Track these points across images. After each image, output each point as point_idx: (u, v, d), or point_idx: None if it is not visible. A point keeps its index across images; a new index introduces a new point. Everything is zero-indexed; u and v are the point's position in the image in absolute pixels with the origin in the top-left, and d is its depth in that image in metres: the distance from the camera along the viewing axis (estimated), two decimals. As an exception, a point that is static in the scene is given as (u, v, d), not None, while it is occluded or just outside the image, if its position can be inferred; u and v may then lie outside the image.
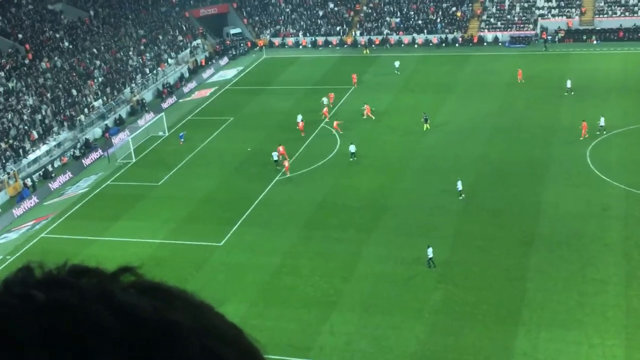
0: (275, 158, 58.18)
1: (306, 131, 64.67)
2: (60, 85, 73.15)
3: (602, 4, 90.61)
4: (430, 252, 42.68)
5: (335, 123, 65.24)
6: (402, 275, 42.50)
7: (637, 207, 47.61)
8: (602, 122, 58.80)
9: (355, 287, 41.89)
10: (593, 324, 36.87)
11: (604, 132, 58.55)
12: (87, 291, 1.51)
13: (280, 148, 58.57)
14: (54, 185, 59.80)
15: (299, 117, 65.58)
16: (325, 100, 68.92)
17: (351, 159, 57.87)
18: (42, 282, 1.54)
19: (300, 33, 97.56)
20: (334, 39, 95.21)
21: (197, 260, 46.29)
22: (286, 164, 57.08)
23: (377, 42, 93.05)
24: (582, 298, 39.00)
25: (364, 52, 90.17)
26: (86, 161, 64.01)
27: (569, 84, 68.79)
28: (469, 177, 53.66)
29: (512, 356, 35.14)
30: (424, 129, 62.40)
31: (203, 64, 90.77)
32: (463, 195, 50.31)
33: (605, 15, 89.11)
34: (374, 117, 66.68)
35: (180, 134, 66.65)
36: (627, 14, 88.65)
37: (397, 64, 79.80)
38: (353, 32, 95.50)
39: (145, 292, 1.55)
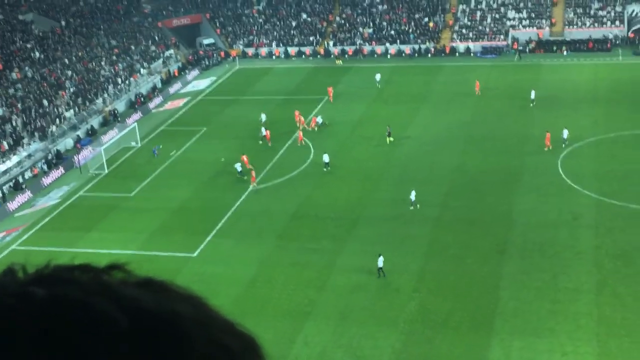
0: (239, 169, 58.00)
1: (280, 141, 64.64)
2: (31, 96, 72.45)
3: (572, 15, 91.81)
4: (380, 261, 42.78)
5: (312, 120, 65.81)
6: (376, 285, 42.55)
7: (608, 216, 48.17)
8: (565, 134, 59.24)
9: (330, 297, 41.87)
10: (565, 332, 37.17)
11: (566, 144, 58.86)
12: (88, 285, 1.49)
13: (244, 158, 58.38)
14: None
15: (262, 130, 65.73)
16: (263, 116, 68.29)
17: (325, 169, 57.90)
18: (37, 280, 1.52)
19: (274, 43, 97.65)
20: (307, 49, 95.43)
21: (170, 271, 45.86)
22: (253, 174, 56.80)
23: (350, 53, 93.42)
24: (555, 306, 39.32)
25: (337, 62, 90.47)
26: (56, 172, 63.36)
27: (532, 94, 69.47)
28: (443, 187, 54.00)
29: (487, 365, 35.30)
30: (387, 142, 62.32)
31: (176, 74, 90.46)
32: (417, 205, 50.62)
33: (575, 27, 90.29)
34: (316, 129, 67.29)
35: (154, 148, 65.79)
36: (596, 25, 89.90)
37: (378, 76, 79.01)
38: (326, 43, 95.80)
39: (141, 285, 1.55)
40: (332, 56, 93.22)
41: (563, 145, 58.51)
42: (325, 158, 57.58)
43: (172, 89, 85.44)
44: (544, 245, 45.28)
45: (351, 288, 42.49)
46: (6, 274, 1.53)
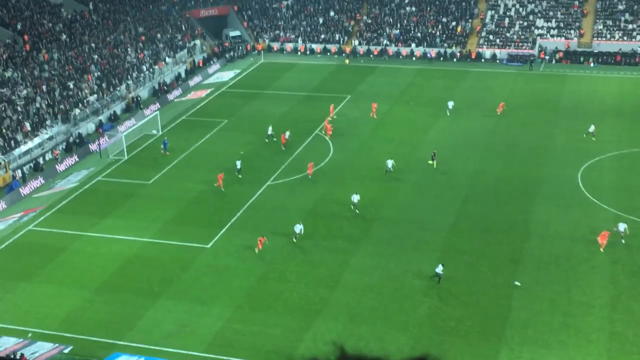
0: (239, 166, 57.86)
1: (299, 139, 64.57)
2: (56, 78, 72.87)
3: (601, 27, 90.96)
4: (439, 268, 42.50)
5: (329, 126, 65.28)
6: (388, 287, 42.39)
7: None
8: (591, 128, 61.15)
9: (341, 296, 41.77)
10: (576, 346, 36.84)
11: (593, 138, 60.93)
12: None
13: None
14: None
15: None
16: (270, 129, 65.36)
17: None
18: None
19: (300, 39, 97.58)
20: (333, 47, 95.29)
21: (183, 261, 46.09)
22: (220, 177, 55.60)
23: (376, 53, 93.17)
24: (567, 319, 38.99)
25: (345, 61, 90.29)
26: (76, 156, 63.71)
27: (450, 105, 69.89)
28: (461, 193, 53.73)
29: (494, 374, 35.07)
30: (432, 164, 58.23)
31: (201, 64, 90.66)
32: (356, 211, 50.35)
33: (604, 39, 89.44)
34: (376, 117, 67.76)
35: (164, 141, 64.07)
36: (625, 38, 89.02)
37: (450, 104, 71.00)
38: (352, 41, 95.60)
39: None
40: (357, 55, 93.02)
41: (586, 136, 59.54)
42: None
43: (196, 79, 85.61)
44: (559, 258, 44.90)
45: (363, 289, 42.36)
46: None
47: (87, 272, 45.26)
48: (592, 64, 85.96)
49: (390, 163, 56.70)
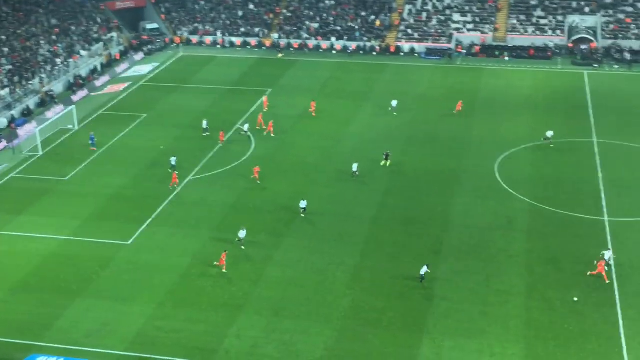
0: (173, 162, 57.09)
1: (219, 133, 64.03)
2: (-35, 72, 70.21)
3: (515, 22, 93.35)
4: (424, 269, 41.82)
5: (269, 124, 64.78)
6: (312, 281, 42.54)
7: (541, 221, 49.16)
8: (549, 133, 61.21)
9: (265, 291, 41.70)
10: (495, 333, 37.79)
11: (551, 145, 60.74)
12: None
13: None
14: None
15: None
16: (205, 122, 64.95)
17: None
18: None
19: (219, 32, 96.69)
20: (253, 40, 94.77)
21: (102, 259, 45.13)
22: (175, 175, 54.80)
23: (296, 46, 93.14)
24: (486, 308, 39.94)
25: (279, 55, 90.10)
26: (-11, 152, 61.55)
27: (394, 103, 69.64)
28: (382, 185, 54.32)
29: (417, 363, 35.68)
30: (385, 164, 57.48)
31: (117, 57, 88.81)
32: (302, 215, 49.79)
33: (518, 33, 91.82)
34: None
35: (91, 136, 62.67)
36: (538, 32, 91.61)
37: (394, 103, 70.35)
38: (272, 35, 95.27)
39: None
40: (277, 49, 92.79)
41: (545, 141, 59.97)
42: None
43: (113, 73, 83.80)
44: (478, 248, 45.95)
45: (286, 282, 42.39)
46: None
47: (1, 272, 43.79)
48: (506, 58, 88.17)
49: (355, 166, 55.61)
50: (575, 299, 40.44)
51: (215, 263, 43.52)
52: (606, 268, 42.51)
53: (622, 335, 37.52)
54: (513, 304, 40.27)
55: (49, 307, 40.37)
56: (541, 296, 40.89)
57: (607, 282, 41.60)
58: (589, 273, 42.29)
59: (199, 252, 45.65)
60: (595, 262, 42.45)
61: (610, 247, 45.41)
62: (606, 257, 42.80)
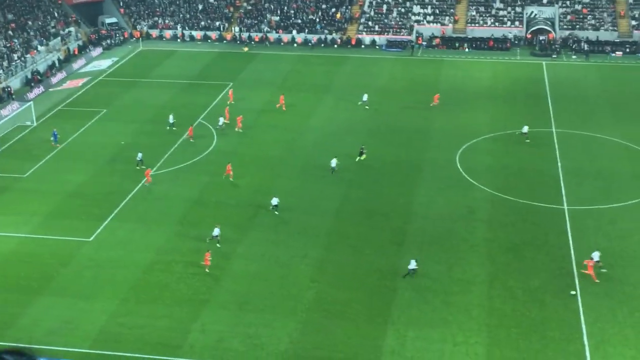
0: (140, 158, 56.53)
1: (182, 126, 63.55)
2: None
3: (474, 13, 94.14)
4: (412, 264, 41.97)
5: (238, 119, 64.17)
6: (276, 274, 42.56)
7: (502, 210, 49.76)
8: (525, 129, 60.93)
9: (229, 285, 41.63)
10: (457, 322, 38.20)
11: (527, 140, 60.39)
12: None
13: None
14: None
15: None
16: (171, 117, 64.30)
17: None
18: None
19: (179, 26, 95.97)
20: (213, 34, 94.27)
21: (63, 256, 44.64)
22: (148, 173, 54.34)
23: (257, 40, 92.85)
24: (448, 297, 40.35)
25: (244, 49, 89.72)
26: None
27: (365, 97, 68.90)
28: (344, 178, 54.47)
29: (381, 354, 35.89)
30: (357, 160, 57.00)
31: (76, 52, 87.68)
32: (276, 212, 49.26)
33: (477, 25, 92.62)
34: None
35: (54, 133, 61.83)
36: (497, 24, 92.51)
37: (365, 97, 69.47)
38: (233, 28, 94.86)
39: None
40: (238, 42, 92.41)
41: (521, 136, 59.63)
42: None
43: (71, 68, 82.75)
44: (440, 238, 46.37)
45: (251, 276, 42.37)
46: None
47: (-40, 272, 43.12)
48: (466, 49, 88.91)
49: (334, 162, 55.07)
50: (573, 292, 40.54)
51: (201, 263, 43.04)
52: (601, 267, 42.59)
53: (583, 322, 38.18)
54: (475, 293, 40.73)
55: (9, 305, 39.86)
56: (502, 285, 41.41)
57: (597, 281, 41.41)
58: (582, 271, 42.24)
59: (162, 247, 45.39)
60: (584, 262, 42.40)
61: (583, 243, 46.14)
62: (595, 258, 42.53)
